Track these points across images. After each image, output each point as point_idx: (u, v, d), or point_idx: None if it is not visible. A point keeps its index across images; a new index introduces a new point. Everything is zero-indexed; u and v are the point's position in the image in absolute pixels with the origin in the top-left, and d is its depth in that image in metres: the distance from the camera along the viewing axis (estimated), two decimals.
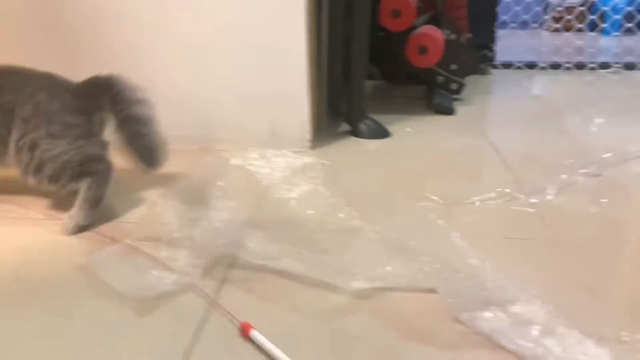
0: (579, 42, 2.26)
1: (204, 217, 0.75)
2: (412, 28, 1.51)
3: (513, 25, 2.30)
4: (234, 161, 0.82)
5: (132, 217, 0.86)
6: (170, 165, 1.11)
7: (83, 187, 0.83)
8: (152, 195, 0.90)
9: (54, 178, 0.84)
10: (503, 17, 2.28)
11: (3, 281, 0.71)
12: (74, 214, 0.82)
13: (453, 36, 1.61)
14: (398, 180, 1.04)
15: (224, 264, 0.71)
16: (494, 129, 1.45)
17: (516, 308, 0.56)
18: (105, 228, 0.83)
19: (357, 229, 0.74)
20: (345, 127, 1.37)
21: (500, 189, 0.90)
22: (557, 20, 2.37)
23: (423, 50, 1.50)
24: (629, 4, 2.57)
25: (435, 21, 1.60)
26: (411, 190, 0.96)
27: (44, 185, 0.85)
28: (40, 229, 0.85)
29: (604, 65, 2.16)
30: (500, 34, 2.38)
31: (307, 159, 0.84)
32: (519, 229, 0.80)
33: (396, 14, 1.47)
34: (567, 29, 2.27)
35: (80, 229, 0.81)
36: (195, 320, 0.61)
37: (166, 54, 1.18)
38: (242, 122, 1.22)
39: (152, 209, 0.77)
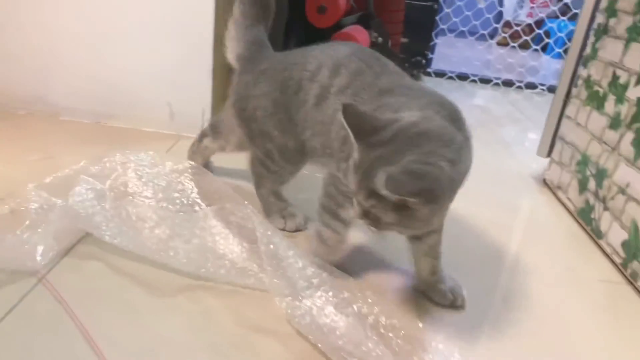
0: (511, 60, 2.31)
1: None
2: (339, 26, 1.50)
3: (466, 36, 2.32)
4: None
5: None
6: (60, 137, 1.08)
7: None
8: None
9: None
10: (461, 28, 2.30)
11: None
12: None
13: (380, 39, 1.62)
14: None
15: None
16: None
17: None
18: None
19: None
20: None
21: None
22: (513, 37, 2.40)
23: None
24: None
25: (364, 22, 1.60)
26: None
27: None
28: None
29: (530, 85, 2.23)
30: (451, 42, 2.41)
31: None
32: None
33: (322, 10, 1.46)
34: (515, 44, 2.30)
35: None
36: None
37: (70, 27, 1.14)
38: (140, 102, 1.18)
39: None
